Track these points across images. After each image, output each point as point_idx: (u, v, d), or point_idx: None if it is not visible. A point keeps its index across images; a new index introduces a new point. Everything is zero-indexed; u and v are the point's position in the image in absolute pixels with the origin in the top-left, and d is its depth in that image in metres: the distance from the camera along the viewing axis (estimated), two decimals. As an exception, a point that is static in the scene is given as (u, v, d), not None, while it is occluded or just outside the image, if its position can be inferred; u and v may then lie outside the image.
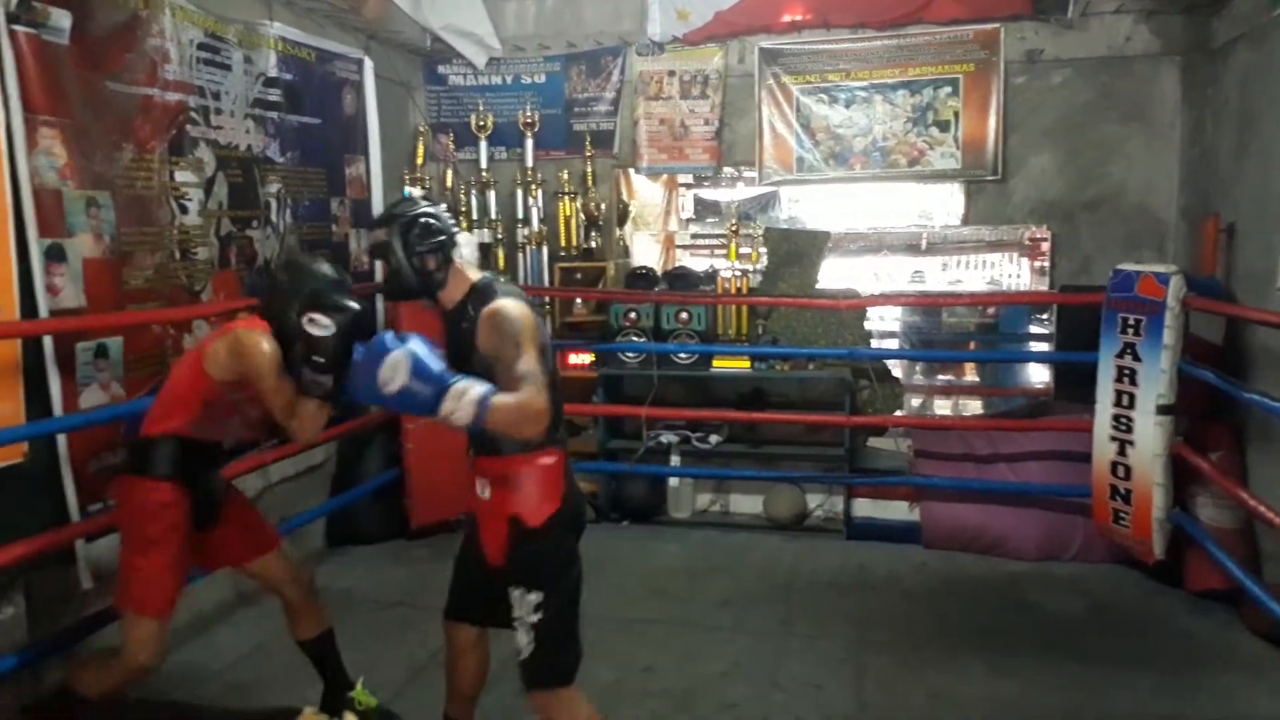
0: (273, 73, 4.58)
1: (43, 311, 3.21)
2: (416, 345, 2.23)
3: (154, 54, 3.79)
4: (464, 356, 2.41)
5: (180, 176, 3.95)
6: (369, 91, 5.42)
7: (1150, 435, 4.03)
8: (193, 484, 2.88)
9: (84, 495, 3.40)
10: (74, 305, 3.35)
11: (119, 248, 3.59)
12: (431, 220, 2.51)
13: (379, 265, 3.45)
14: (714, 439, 5.57)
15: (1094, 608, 4.26)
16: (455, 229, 2.59)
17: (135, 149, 3.69)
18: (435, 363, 2.23)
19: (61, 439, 3.31)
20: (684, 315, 5.51)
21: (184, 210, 3.98)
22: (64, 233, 3.33)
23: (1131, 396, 4.10)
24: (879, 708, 3.42)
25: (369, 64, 5.41)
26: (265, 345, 2.78)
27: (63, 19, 3.31)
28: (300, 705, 3.25)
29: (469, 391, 2.18)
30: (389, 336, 2.25)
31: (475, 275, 2.56)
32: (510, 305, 2.39)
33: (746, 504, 5.64)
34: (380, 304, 5.36)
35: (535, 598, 2.44)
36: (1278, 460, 4.03)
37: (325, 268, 3.01)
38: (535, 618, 2.44)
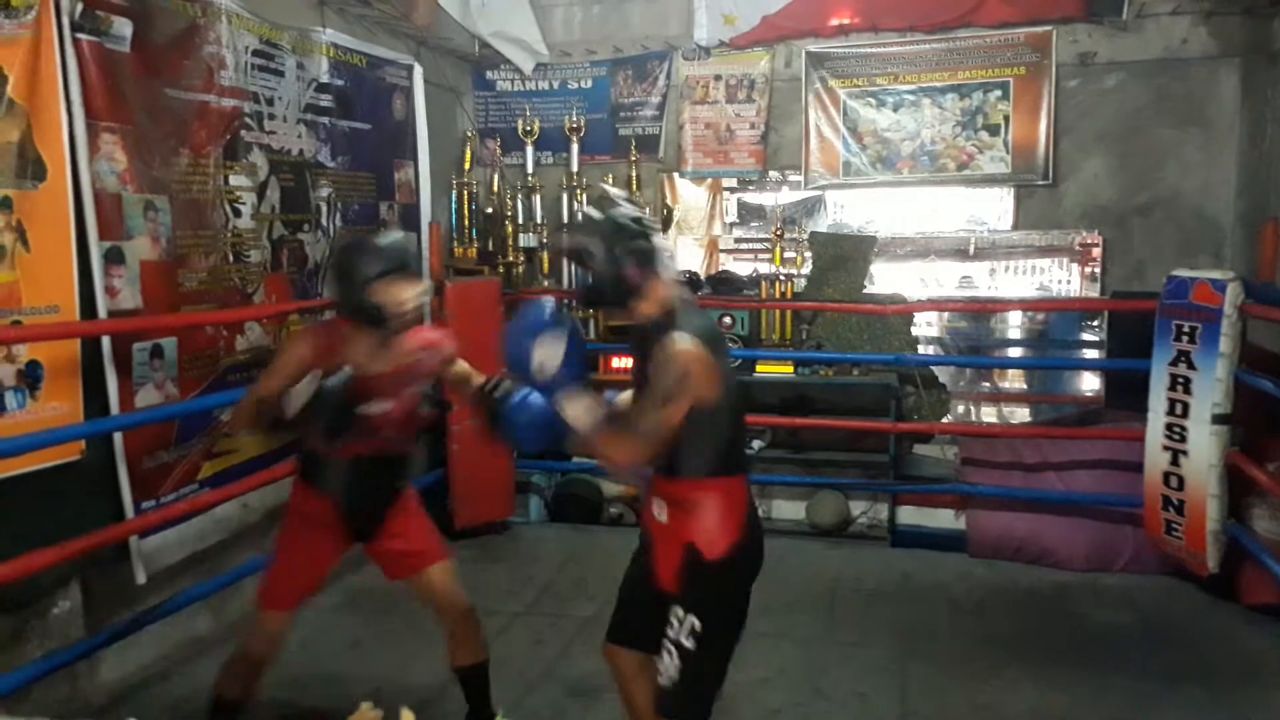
0: (324, 78, 4.66)
1: (101, 312, 3.30)
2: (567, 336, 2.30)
3: (211, 61, 3.88)
4: (646, 377, 2.30)
5: (234, 181, 4.04)
6: (418, 97, 5.49)
7: (1205, 445, 3.94)
8: (342, 492, 2.80)
9: (138, 492, 3.48)
10: (131, 306, 3.44)
11: (175, 250, 3.67)
12: (637, 224, 2.33)
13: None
14: (757, 444, 5.54)
15: (1144, 620, 4.17)
16: (660, 236, 2.40)
17: (191, 154, 3.78)
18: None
19: (118, 437, 3.40)
20: (727, 320, 5.50)
21: (237, 214, 4.06)
22: (123, 236, 3.41)
23: (1186, 405, 4.02)
24: (923, 717, 3.38)
25: (418, 70, 5.48)
26: None
27: (124, 27, 3.40)
28: (346, 702, 3.31)
29: (584, 415, 2.26)
30: (554, 311, 2.31)
31: (672, 290, 2.37)
32: (681, 347, 2.21)
33: (789, 510, 5.61)
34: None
35: (696, 624, 2.31)
36: (1339, 473, 3.92)
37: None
38: (690, 644, 2.30)
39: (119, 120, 3.39)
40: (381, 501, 2.93)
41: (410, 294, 2.67)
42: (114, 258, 3.37)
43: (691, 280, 5.87)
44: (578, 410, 2.28)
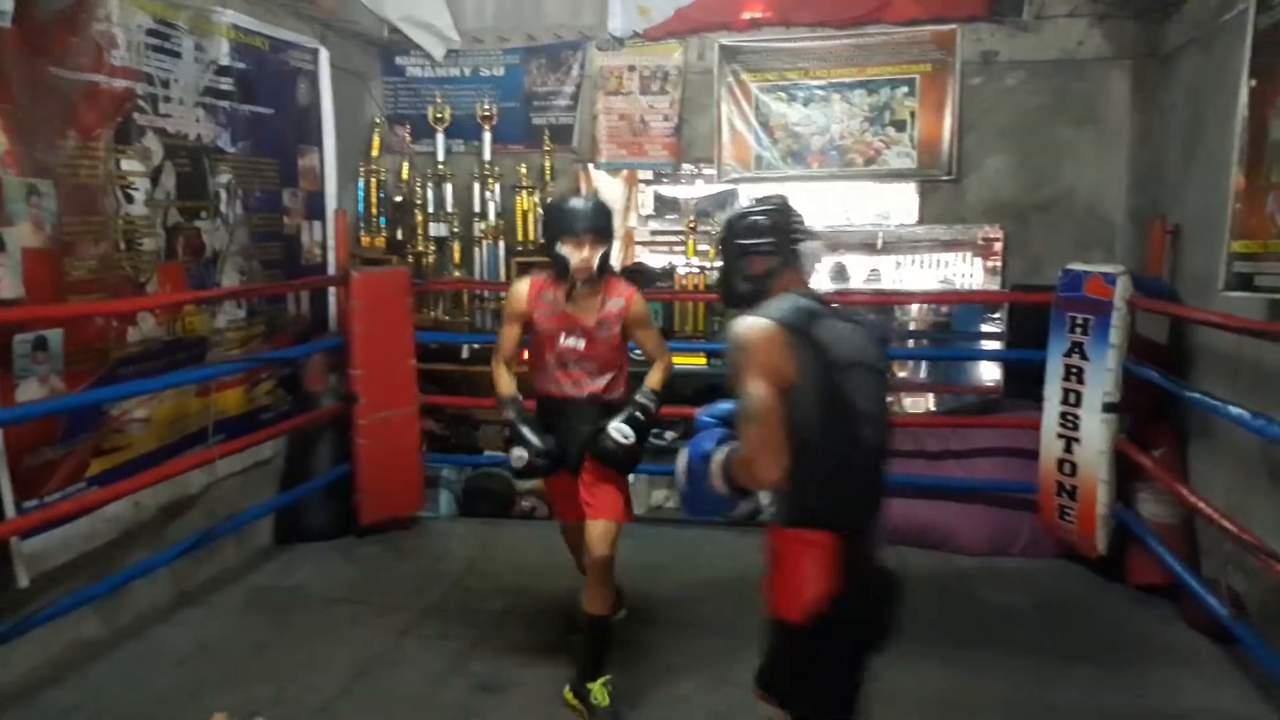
0: (225, 61, 4.50)
1: (-22, 302, 3.13)
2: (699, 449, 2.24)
3: (100, 39, 3.71)
4: None
5: (126, 165, 3.87)
6: (324, 82, 5.34)
7: (1096, 432, 4.10)
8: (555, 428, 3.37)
9: (20, 491, 3.32)
10: (12, 296, 3.27)
11: (61, 237, 3.50)
12: (762, 219, 2.19)
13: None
14: (669, 435, 5.57)
15: (1040, 602, 4.32)
16: (800, 233, 2.20)
17: (79, 136, 3.61)
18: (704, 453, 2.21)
19: (-2, 433, 3.23)
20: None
21: (130, 200, 3.89)
22: (3, 221, 3.24)
23: (1079, 394, 4.18)
24: (828, 702, 3.44)
25: (324, 54, 5.33)
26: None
27: (5, 2, 3.22)
28: (247, 706, 3.22)
29: (714, 462, 2.14)
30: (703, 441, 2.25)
31: (798, 288, 2.16)
32: (744, 327, 2.01)
33: (701, 500, 5.63)
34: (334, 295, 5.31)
35: (772, 712, 2.08)
36: (1217, 457, 4.12)
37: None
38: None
39: (-2, 99, 3.21)
40: (576, 439, 3.34)
41: (582, 253, 3.15)
42: (-7, 244, 3.20)
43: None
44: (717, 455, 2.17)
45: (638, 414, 3.30)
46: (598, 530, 3.30)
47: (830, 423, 1.96)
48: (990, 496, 4.95)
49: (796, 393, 1.94)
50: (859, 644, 2.08)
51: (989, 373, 6.28)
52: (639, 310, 3.36)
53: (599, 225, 3.21)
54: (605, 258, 3.24)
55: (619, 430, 3.23)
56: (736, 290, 2.23)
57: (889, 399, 2.15)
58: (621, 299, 3.32)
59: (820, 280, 5.99)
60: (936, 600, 4.36)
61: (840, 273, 6.21)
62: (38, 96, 3.40)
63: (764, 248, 2.17)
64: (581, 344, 3.32)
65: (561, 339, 3.31)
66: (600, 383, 3.38)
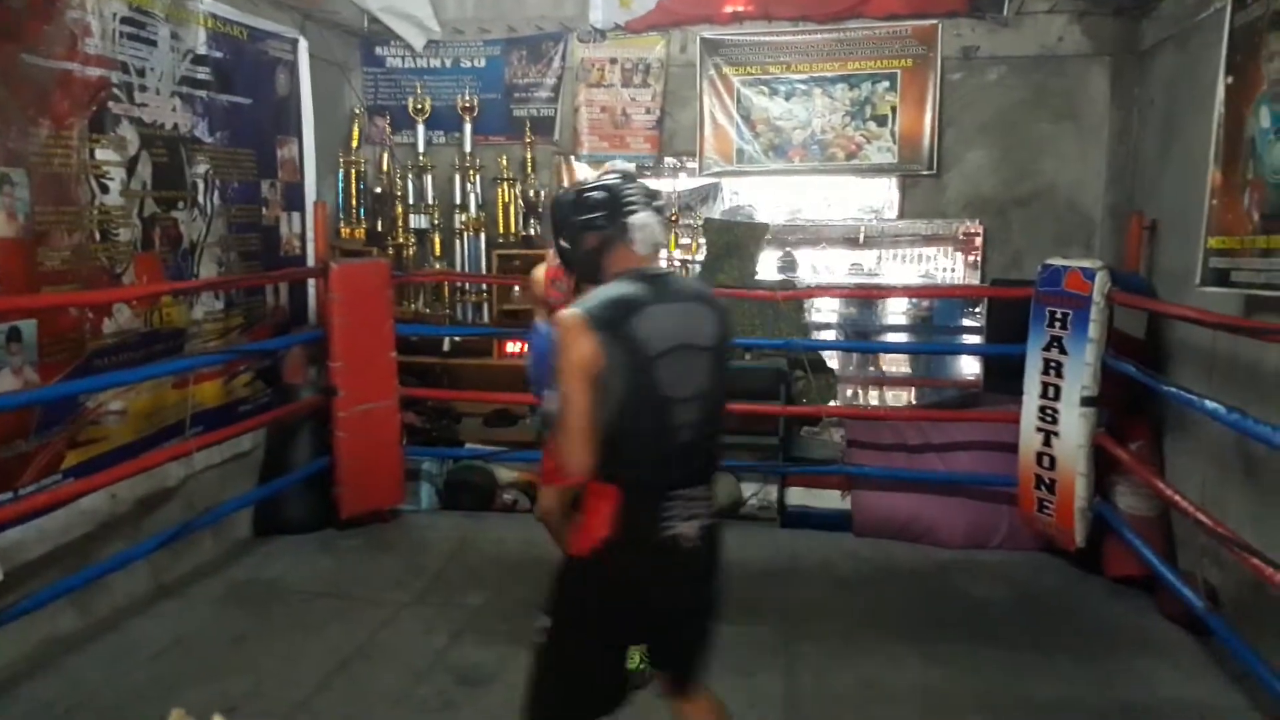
0: (202, 50, 4.45)
1: (-50, 292, 3.09)
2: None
3: (74, 27, 3.66)
4: None
5: (101, 155, 3.82)
6: (303, 72, 5.30)
7: (1074, 426, 4.13)
8: None
9: (-6, 483, 3.28)
10: (-16, 286, 3.23)
11: (34, 227, 3.46)
12: (594, 194, 2.21)
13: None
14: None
15: (1019, 594, 4.36)
16: (634, 201, 2.20)
17: (53, 125, 3.56)
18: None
19: (-30, 425, 3.19)
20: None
21: (105, 190, 3.85)
22: (-26, 210, 3.20)
23: (1057, 388, 4.20)
24: (810, 695, 3.46)
25: (304, 44, 5.29)
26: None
27: (-25, -13, 3.18)
28: (223, 700, 3.19)
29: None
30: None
31: (637, 266, 2.20)
32: (561, 319, 2.07)
33: (683, 493, 5.64)
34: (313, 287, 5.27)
35: (543, 623, 2.22)
36: (1193, 451, 4.16)
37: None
38: (537, 640, 2.23)
39: (-31, 87, 3.17)
40: None
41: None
42: (-36, 234, 3.16)
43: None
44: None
45: None
46: None
47: (636, 410, 2.06)
48: (970, 490, 4.98)
49: (605, 383, 2.03)
50: (627, 597, 2.17)
51: (969, 367, 6.31)
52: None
53: None
54: None
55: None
56: (573, 266, 2.31)
57: (720, 372, 2.21)
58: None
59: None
60: (917, 594, 4.40)
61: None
62: (10, 84, 3.35)
63: (595, 223, 2.20)
64: None
65: None
66: None
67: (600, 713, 2.23)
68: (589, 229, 2.20)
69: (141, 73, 4.05)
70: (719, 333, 2.20)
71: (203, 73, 4.46)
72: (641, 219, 2.17)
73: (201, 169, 4.47)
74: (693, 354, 2.13)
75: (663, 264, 2.26)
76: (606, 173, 2.37)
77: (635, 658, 3.05)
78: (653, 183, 7.72)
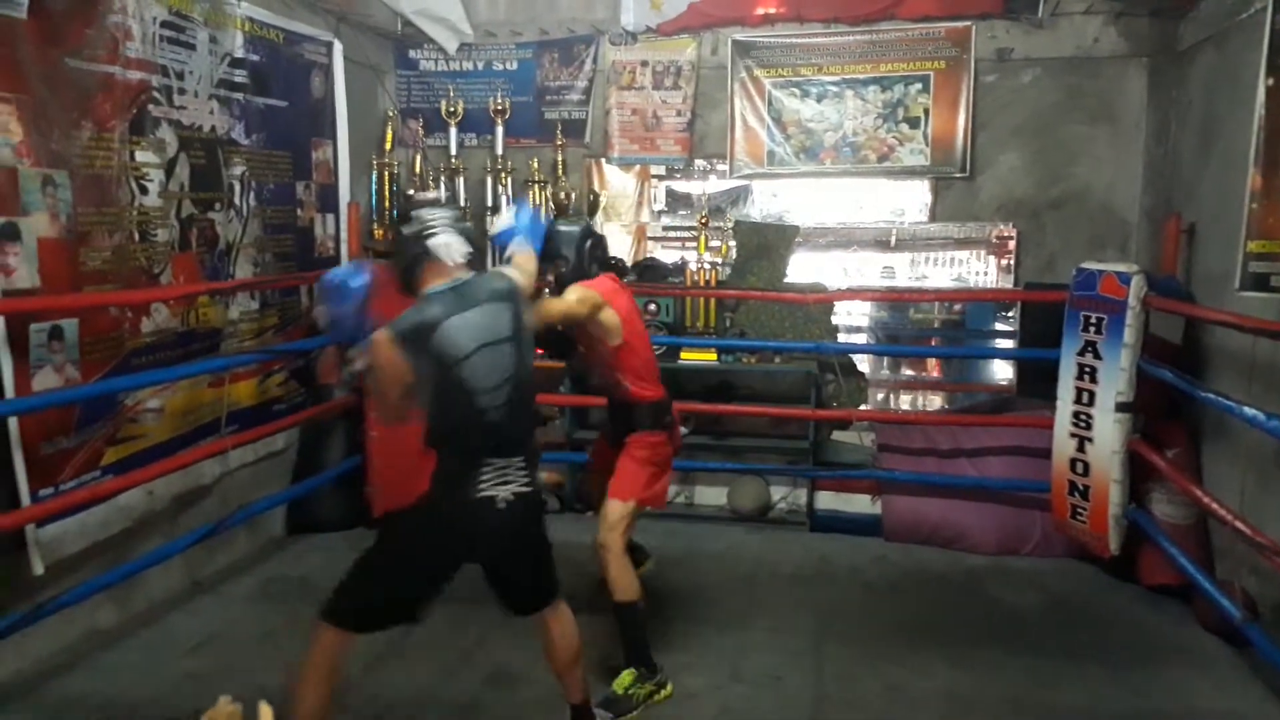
0: (239, 53, 4.51)
1: (-5, 291, 3.15)
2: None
3: (115, 31, 3.73)
4: None
5: (141, 157, 3.89)
6: (338, 75, 5.36)
7: (1109, 432, 4.08)
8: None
9: (35, 479, 3.34)
10: (28, 286, 3.29)
11: (76, 228, 3.52)
12: (405, 226, 2.64)
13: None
14: (682, 430, 5.56)
15: (1050, 602, 4.31)
16: (434, 226, 2.61)
17: (94, 128, 3.63)
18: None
19: (13, 422, 3.25)
20: (652, 307, 5.50)
21: (144, 191, 3.91)
22: (18, 211, 3.27)
23: (1092, 394, 4.15)
24: (837, 699, 3.44)
25: (338, 47, 5.35)
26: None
27: (20, -7, 3.24)
28: (257, 694, 3.23)
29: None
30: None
31: (443, 283, 2.61)
32: (377, 336, 2.52)
33: (711, 495, 5.65)
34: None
35: (373, 541, 2.77)
36: (1231, 458, 4.10)
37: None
38: (359, 553, 2.72)
39: (14, 90, 3.23)
40: (617, 428, 3.59)
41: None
42: (9, 235, 3.22)
43: (618, 266, 5.85)
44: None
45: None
46: (603, 513, 3.43)
47: (447, 402, 2.52)
48: (1002, 495, 4.93)
49: (417, 386, 2.50)
50: (441, 540, 2.63)
51: (1002, 371, 6.26)
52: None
53: None
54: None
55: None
56: (399, 278, 2.69)
57: (524, 354, 2.66)
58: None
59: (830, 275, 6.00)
60: (947, 599, 4.37)
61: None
62: (53, 88, 3.42)
63: (405, 245, 2.64)
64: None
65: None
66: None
67: (395, 621, 2.73)
68: (401, 250, 2.66)
69: (180, 76, 4.11)
70: (517, 322, 2.64)
71: (239, 76, 4.53)
72: (440, 240, 2.58)
73: (238, 171, 4.53)
74: (494, 348, 2.57)
75: (467, 272, 2.63)
76: (421, 204, 2.79)
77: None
78: (683, 185, 7.77)
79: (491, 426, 2.58)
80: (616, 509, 3.41)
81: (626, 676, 3.32)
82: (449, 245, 2.61)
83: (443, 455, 2.61)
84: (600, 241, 3.59)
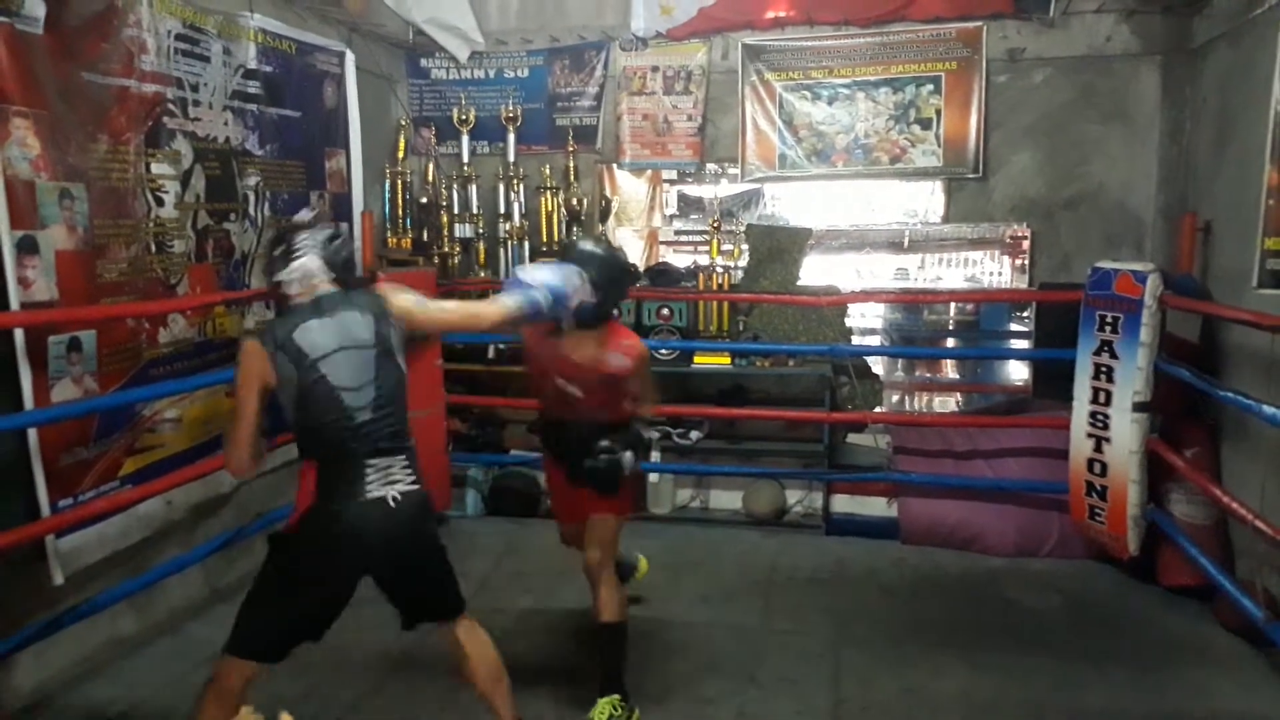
0: (252, 65, 4.54)
1: (14, 304, 3.17)
2: None
3: (131, 44, 3.75)
4: None
5: (156, 168, 3.92)
6: (350, 84, 5.39)
7: (1126, 432, 4.05)
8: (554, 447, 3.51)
9: (55, 490, 3.36)
10: (46, 298, 3.31)
11: (93, 240, 3.55)
12: (275, 248, 2.74)
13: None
14: (694, 435, 5.57)
15: (1069, 603, 4.29)
16: (298, 249, 2.69)
17: (111, 140, 3.65)
18: None
19: (32, 433, 3.28)
20: (665, 311, 5.50)
21: (160, 203, 3.94)
22: (37, 224, 3.29)
23: (1108, 394, 4.13)
24: (855, 703, 3.43)
25: (350, 57, 5.38)
26: None
27: (37, 7, 3.27)
28: (277, 704, 3.24)
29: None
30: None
31: (305, 297, 2.68)
32: (243, 343, 2.64)
33: (726, 499, 5.64)
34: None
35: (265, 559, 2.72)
36: (1251, 457, 4.06)
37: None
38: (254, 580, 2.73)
39: (31, 104, 3.25)
40: (578, 454, 3.29)
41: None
42: (27, 247, 3.24)
43: (630, 271, 5.85)
44: None
45: (632, 439, 3.31)
46: (591, 530, 3.32)
47: (311, 403, 2.55)
48: (1019, 496, 4.91)
49: (280, 389, 2.55)
50: (334, 550, 2.61)
51: (1017, 372, 6.24)
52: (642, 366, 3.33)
53: None
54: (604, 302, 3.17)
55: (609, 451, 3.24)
56: (268, 294, 2.86)
57: (390, 362, 2.67)
58: (626, 359, 3.23)
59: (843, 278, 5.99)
60: (964, 601, 4.35)
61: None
62: (70, 101, 3.45)
63: (274, 266, 2.72)
64: (580, 393, 3.28)
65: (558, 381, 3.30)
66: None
67: (298, 641, 2.73)
68: (272, 270, 2.73)
69: (195, 88, 4.14)
70: (378, 331, 2.66)
71: (253, 87, 4.56)
72: (300, 263, 2.67)
73: (252, 181, 4.56)
74: (355, 351, 2.61)
75: (331, 287, 2.70)
76: (294, 227, 2.83)
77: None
78: (695, 189, 7.78)
79: (363, 426, 2.59)
80: (610, 525, 3.33)
81: (606, 706, 3.21)
82: (304, 268, 2.69)
83: (323, 463, 2.60)
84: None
